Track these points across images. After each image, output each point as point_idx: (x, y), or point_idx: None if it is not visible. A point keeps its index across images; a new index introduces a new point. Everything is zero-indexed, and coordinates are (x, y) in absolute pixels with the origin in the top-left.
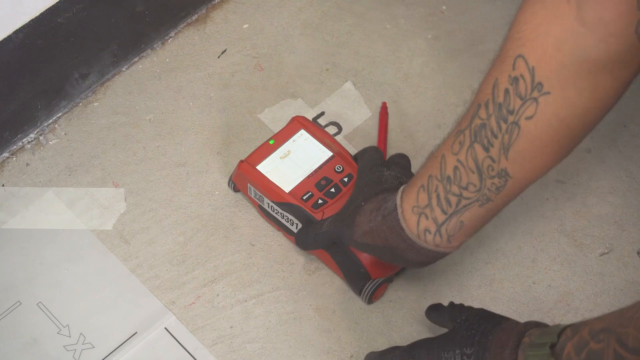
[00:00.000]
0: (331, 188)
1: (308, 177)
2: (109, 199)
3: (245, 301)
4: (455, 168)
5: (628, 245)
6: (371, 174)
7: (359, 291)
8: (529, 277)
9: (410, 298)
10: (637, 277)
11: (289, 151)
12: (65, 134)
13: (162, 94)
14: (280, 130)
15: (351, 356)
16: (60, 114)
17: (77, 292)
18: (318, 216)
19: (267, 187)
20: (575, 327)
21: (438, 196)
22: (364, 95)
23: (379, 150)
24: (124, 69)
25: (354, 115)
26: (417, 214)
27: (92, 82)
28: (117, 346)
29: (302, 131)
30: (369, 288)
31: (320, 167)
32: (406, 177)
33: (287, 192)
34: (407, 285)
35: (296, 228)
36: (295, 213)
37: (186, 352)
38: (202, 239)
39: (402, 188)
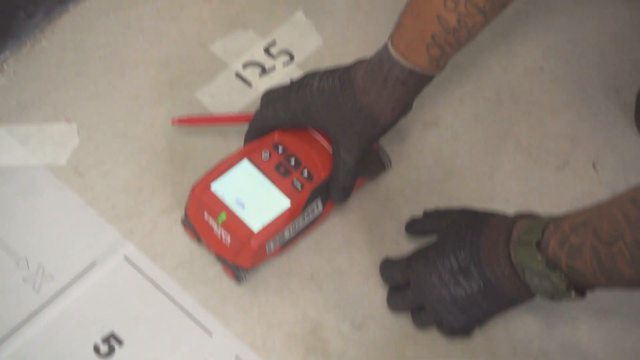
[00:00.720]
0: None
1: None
2: (62, 134)
3: None
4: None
5: (583, 158)
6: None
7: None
8: (487, 193)
9: (369, 219)
10: (593, 188)
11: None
12: (15, 73)
13: (111, 30)
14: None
15: (312, 275)
16: (7, 54)
17: (33, 226)
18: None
19: None
20: (557, 222)
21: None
22: (315, 23)
23: None
24: (70, 8)
25: (305, 43)
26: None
27: (39, 20)
28: (76, 276)
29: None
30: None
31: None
32: None
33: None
34: (367, 208)
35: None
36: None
37: (147, 279)
38: (158, 168)
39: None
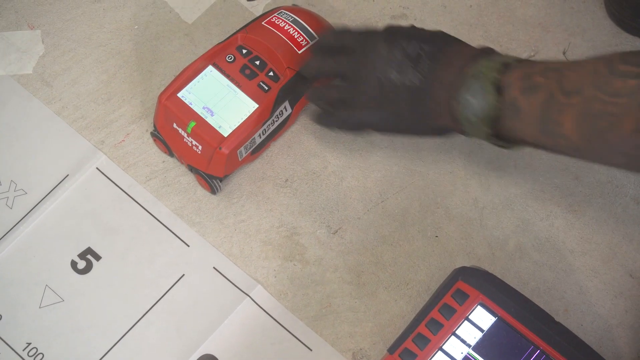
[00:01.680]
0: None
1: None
2: (26, 41)
3: None
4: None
5: (553, 46)
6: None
7: None
8: None
9: None
10: None
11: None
12: None
13: None
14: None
15: (286, 180)
16: None
17: (2, 140)
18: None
19: None
20: (533, 62)
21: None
22: None
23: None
24: None
25: None
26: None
27: None
28: (50, 190)
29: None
30: None
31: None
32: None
33: None
34: None
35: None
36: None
37: (120, 190)
38: (126, 75)
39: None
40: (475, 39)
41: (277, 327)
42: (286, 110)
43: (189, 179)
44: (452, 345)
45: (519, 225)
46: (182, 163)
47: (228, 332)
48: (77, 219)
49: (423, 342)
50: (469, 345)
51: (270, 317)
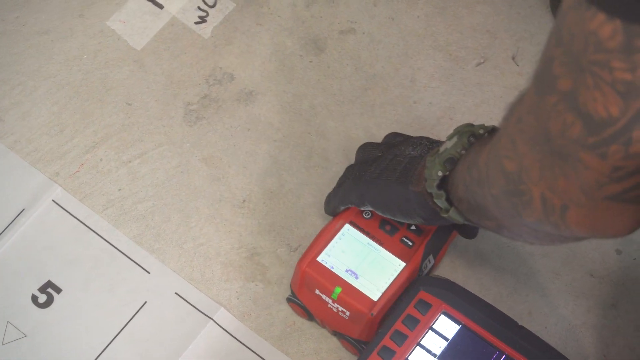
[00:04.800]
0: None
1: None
2: None
3: (130, 162)
4: None
5: (502, 52)
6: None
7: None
8: (410, 97)
9: (294, 137)
10: (514, 82)
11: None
12: None
13: None
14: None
15: (244, 201)
16: None
17: None
18: None
19: None
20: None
21: None
22: None
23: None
24: None
25: None
26: None
27: None
28: (6, 225)
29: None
30: None
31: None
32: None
33: None
34: (291, 127)
35: None
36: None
37: (78, 221)
38: (77, 105)
39: None
40: (424, 49)
41: (242, 349)
42: (430, 263)
43: (147, 205)
44: (417, 356)
45: (478, 232)
46: (323, 327)
47: (194, 357)
48: (36, 253)
49: (388, 354)
50: (434, 355)
51: (235, 339)
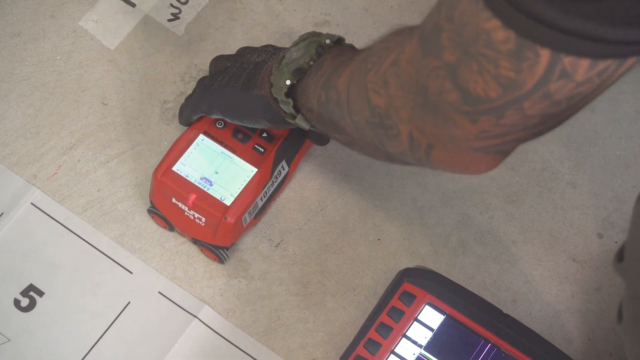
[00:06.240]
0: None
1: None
2: None
3: (108, 162)
4: None
5: None
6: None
7: None
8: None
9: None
10: None
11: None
12: None
13: None
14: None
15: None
16: None
17: None
18: None
19: None
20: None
21: None
22: None
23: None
24: None
25: None
26: None
27: None
28: None
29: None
30: None
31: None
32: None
33: None
34: None
35: None
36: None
37: (57, 223)
38: (52, 107)
39: None
40: None
41: (227, 346)
42: (284, 170)
43: (126, 204)
44: (403, 347)
45: (459, 220)
46: (184, 236)
47: (179, 356)
48: (17, 257)
49: (374, 347)
50: (420, 346)
51: (220, 337)
